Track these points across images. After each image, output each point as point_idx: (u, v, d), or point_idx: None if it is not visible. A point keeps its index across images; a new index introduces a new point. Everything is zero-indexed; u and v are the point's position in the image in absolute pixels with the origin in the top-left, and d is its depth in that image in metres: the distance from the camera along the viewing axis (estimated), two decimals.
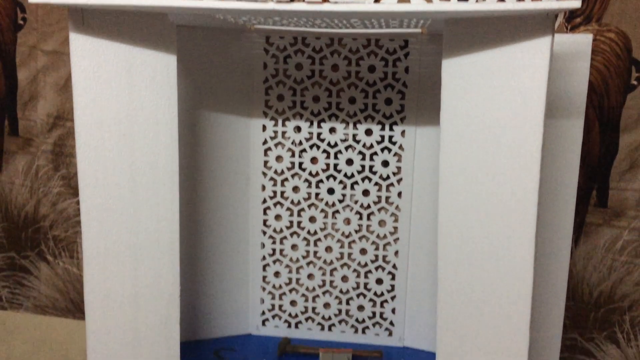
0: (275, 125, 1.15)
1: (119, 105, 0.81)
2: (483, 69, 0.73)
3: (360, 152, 1.14)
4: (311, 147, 1.15)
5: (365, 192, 1.15)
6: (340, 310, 1.21)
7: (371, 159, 1.14)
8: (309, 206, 1.17)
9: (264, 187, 1.17)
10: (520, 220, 0.79)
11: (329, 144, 1.14)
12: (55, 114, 1.24)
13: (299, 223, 1.18)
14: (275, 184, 1.17)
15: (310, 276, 1.20)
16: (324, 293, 1.20)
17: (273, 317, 1.22)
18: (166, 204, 0.86)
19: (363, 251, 1.18)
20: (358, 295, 1.20)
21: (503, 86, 0.73)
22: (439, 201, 0.85)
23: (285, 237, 1.19)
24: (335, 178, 1.15)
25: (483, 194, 0.81)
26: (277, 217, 1.18)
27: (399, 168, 1.14)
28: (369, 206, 1.16)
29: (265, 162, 1.16)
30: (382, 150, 1.13)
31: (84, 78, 0.78)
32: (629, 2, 1.07)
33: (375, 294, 1.19)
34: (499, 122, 0.75)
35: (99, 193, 0.83)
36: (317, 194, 1.16)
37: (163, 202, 0.86)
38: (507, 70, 0.72)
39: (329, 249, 1.19)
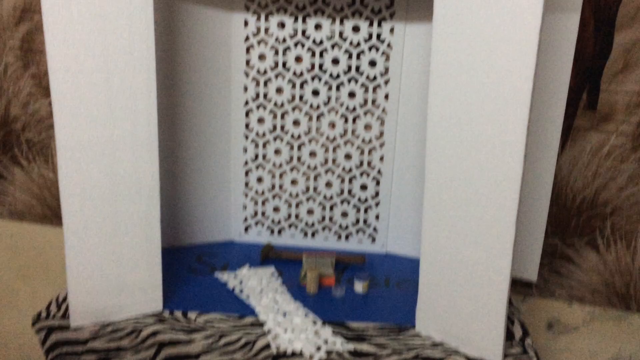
0: (258, 20, 1.09)
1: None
2: None
3: (346, 51, 1.09)
4: (295, 45, 1.09)
5: (351, 94, 1.11)
6: (323, 217, 1.19)
7: (358, 58, 1.09)
8: (293, 109, 1.13)
9: (246, 88, 1.12)
10: (512, 117, 0.76)
11: (314, 42, 1.09)
12: (22, 6, 1.16)
13: (282, 127, 1.14)
14: (257, 85, 1.12)
15: (293, 182, 1.18)
16: (307, 199, 1.18)
17: (256, 223, 1.21)
18: (143, 93, 0.82)
19: (348, 156, 1.15)
20: (342, 202, 1.18)
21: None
22: (428, 101, 0.82)
23: (268, 142, 1.15)
24: (320, 79, 1.11)
25: (475, 92, 0.78)
26: (260, 121, 1.14)
27: (386, 68, 1.09)
28: (354, 109, 1.12)
29: (248, 61, 1.11)
30: (370, 49, 1.09)
31: None
32: None
33: (359, 200, 1.18)
34: (495, 16, 0.71)
35: (70, 82, 0.78)
36: (301, 96, 1.12)
37: (140, 91, 0.81)
38: None
39: (313, 154, 1.16)
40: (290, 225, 1.20)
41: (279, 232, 1.21)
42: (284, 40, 1.09)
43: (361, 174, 1.16)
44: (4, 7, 1.16)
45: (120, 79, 0.80)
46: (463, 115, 0.80)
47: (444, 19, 0.77)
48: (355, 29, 1.08)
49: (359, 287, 1.02)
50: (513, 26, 0.72)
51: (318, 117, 1.13)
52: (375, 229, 1.19)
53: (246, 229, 1.21)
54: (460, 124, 0.81)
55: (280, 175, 1.17)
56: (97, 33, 0.77)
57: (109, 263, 0.87)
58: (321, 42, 1.09)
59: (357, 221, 1.19)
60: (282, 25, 1.08)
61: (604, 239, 1.19)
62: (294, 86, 1.11)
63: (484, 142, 0.79)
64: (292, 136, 1.14)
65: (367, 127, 1.13)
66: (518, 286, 1.27)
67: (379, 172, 1.16)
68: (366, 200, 1.18)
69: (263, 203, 1.19)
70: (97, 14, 0.76)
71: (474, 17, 0.74)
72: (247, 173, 1.18)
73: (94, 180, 0.83)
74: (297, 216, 1.20)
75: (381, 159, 1.15)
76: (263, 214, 1.20)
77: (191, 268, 1.08)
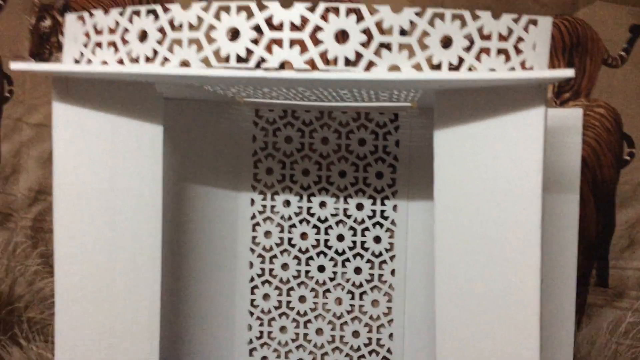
0: (264, 199, 1.12)
1: (100, 176, 0.77)
2: (476, 140, 0.71)
3: (351, 228, 1.10)
4: (301, 222, 1.11)
5: (357, 270, 1.11)
6: None
7: (363, 234, 1.10)
8: (299, 285, 1.12)
9: (251, 264, 1.12)
10: (523, 299, 0.74)
11: (319, 219, 1.11)
12: (37, 188, 1.21)
13: (288, 303, 1.12)
14: (263, 261, 1.12)
15: None
16: None
17: None
18: (147, 283, 0.81)
19: (356, 334, 1.11)
20: None
21: (497, 157, 0.71)
22: (435, 282, 0.80)
23: (273, 319, 1.12)
24: (325, 255, 1.11)
25: (481, 273, 0.77)
26: (265, 297, 1.13)
27: (391, 244, 1.10)
28: (361, 285, 1.11)
29: (254, 238, 1.12)
30: (374, 225, 1.10)
31: (65, 148, 0.75)
32: (617, 77, 1.08)
33: None
34: (495, 195, 0.72)
35: (75, 269, 0.78)
36: (307, 272, 1.12)
37: (144, 281, 0.81)
38: (501, 142, 0.70)
39: (319, 331, 1.12)
40: None
41: None
42: (290, 217, 1.11)
43: (370, 353, 1.11)
44: (20, 188, 1.21)
45: (125, 268, 0.79)
46: (471, 298, 0.77)
47: (444, 196, 0.78)
48: (359, 206, 1.10)
49: None
50: (514, 203, 0.72)
51: (324, 293, 1.11)
52: None
53: None
54: (469, 307, 0.78)
55: (286, 354, 1.13)
56: (105, 222, 0.78)
57: None
58: (326, 219, 1.10)
59: None
60: (287, 203, 1.11)
61: None
62: (299, 262, 1.11)
63: (495, 324, 0.76)
64: (298, 312, 1.12)
65: (375, 303, 1.11)
66: None
67: (388, 350, 1.11)
68: None
69: None
70: (106, 206, 0.78)
71: (473, 194, 0.75)
72: (251, 352, 1.13)
73: None
74: None
75: (390, 336, 1.11)
76: None
77: None
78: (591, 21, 1.08)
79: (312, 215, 1.11)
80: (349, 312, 1.11)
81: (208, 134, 1.08)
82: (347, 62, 0.64)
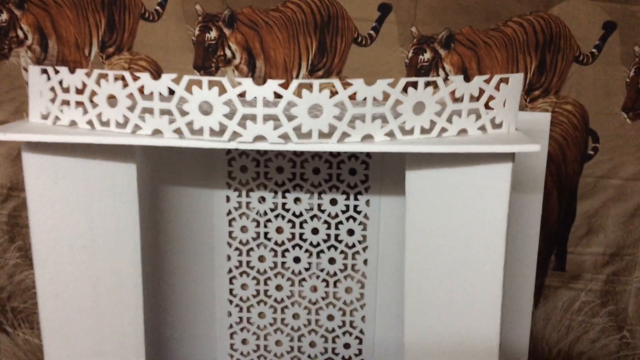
0: (239, 196, 1.13)
1: (77, 218, 0.78)
2: (444, 184, 0.74)
3: (325, 222, 1.14)
4: (276, 217, 1.14)
5: (332, 260, 1.15)
6: None
7: (336, 227, 1.14)
8: (276, 275, 1.17)
9: (229, 257, 1.16)
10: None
11: (294, 214, 1.14)
12: (8, 185, 1.20)
13: (265, 291, 1.17)
14: (240, 254, 1.16)
15: (277, 343, 1.20)
16: (292, 359, 1.20)
17: None
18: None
19: (330, 317, 1.18)
20: None
21: (465, 203, 0.74)
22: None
23: (252, 305, 1.18)
24: (301, 247, 1.15)
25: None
26: (244, 286, 1.17)
27: (364, 236, 1.14)
28: (335, 274, 1.16)
29: (230, 233, 1.15)
30: (347, 219, 1.13)
31: (39, 197, 0.75)
32: (586, 74, 1.09)
33: (343, 358, 1.20)
34: (462, 237, 0.76)
35: (59, 309, 0.81)
36: (283, 263, 1.16)
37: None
38: (468, 189, 0.73)
39: (296, 316, 1.18)
40: None
41: None
42: (265, 213, 1.14)
43: (344, 334, 1.19)
44: None
45: (109, 304, 0.82)
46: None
47: (415, 230, 0.82)
48: (333, 202, 1.13)
49: None
50: (479, 246, 0.77)
51: (300, 282, 1.17)
52: None
53: None
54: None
55: (265, 337, 1.20)
56: (86, 262, 0.80)
57: None
58: (301, 214, 1.13)
59: None
60: (262, 199, 1.13)
61: None
62: (275, 254, 1.15)
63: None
64: (275, 300, 1.18)
65: (348, 290, 1.17)
66: None
67: (361, 331, 1.18)
68: (350, 358, 1.20)
69: None
70: (85, 246, 0.79)
71: (442, 233, 0.79)
72: (232, 335, 1.20)
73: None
74: None
75: (362, 318, 1.18)
76: None
77: None
78: (565, 18, 1.06)
79: (287, 210, 1.14)
80: (323, 299, 1.18)
81: None
82: (321, 134, 0.64)
